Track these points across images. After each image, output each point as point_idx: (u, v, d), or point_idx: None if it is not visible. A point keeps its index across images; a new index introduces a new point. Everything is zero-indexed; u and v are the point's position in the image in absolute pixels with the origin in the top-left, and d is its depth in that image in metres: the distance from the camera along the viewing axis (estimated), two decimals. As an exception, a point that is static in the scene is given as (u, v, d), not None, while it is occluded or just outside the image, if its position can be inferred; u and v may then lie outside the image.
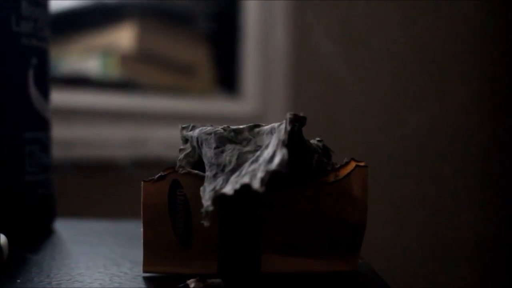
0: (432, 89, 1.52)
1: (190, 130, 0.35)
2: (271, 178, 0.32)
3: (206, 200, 0.31)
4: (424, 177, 1.51)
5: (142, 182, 0.33)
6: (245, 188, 0.32)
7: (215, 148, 0.33)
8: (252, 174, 0.30)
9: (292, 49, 1.37)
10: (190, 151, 0.35)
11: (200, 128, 0.35)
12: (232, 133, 0.34)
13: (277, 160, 0.30)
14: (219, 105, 1.39)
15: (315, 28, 1.30)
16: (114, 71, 1.31)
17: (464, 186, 1.56)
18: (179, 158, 0.34)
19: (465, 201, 1.55)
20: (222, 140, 0.33)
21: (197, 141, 0.34)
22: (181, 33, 1.41)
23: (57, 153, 1.08)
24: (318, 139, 0.36)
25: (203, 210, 0.30)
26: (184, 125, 0.35)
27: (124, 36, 1.30)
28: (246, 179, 0.30)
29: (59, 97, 1.16)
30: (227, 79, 1.46)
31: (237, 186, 0.30)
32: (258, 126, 0.34)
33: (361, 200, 0.34)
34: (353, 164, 0.34)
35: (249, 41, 1.42)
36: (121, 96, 1.26)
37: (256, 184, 0.29)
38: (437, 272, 1.53)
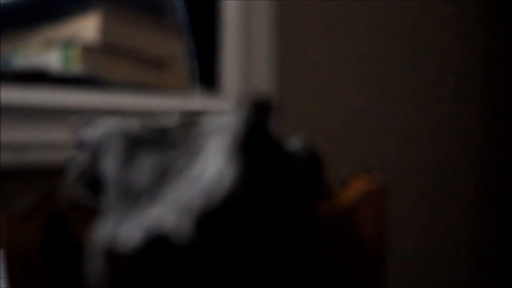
0: (427, 82, 1.43)
1: (89, 129, 0.21)
2: (216, 215, 0.18)
3: (96, 253, 0.17)
4: (422, 176, 1.42)
5: (1, 216, 0.20)
6: (167, 235, 0.18)
7: (123, 158, 0.19)
8: (182, 209, 0.17)
9: (276, 41, 1.26)
10: (87, 165, 0.21)
11: (104, 127, 0.21)
12: (154, 134, 0.20)
13: (224, 181, 0.16)
14: (196, 102, 1.26)
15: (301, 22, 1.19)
16: (76, 66, 1.17)
17: (463, 186, 1.48)
18: (69, 176, 0.21)
19: (463, 201, 1.48)
20: (136, 145, 0.20)
21: (98, 147, 0.20)
22: (152, 24, 1.28)
23: (7, 157, 0.94)
24: (300, 139, 0.22)
25: (90, 270, 0.17)
26: (79, 121, 0.22)
27: (87, 27, 1.17)
28: (169, 220, 0.16)
29: (13, 94, 1.03)
30: (205, 74, 1.35)
31: (152, 232, 0.17)
32: (195, 122, 0.20)
33: (376, 243, 0.20)
34: (362, 183, 0.20)
35: (229, 32, 1.31)
36: (84, 93, 1.14)
37: (185, 229, 0.16)
38: (436, 272, 1.45)
